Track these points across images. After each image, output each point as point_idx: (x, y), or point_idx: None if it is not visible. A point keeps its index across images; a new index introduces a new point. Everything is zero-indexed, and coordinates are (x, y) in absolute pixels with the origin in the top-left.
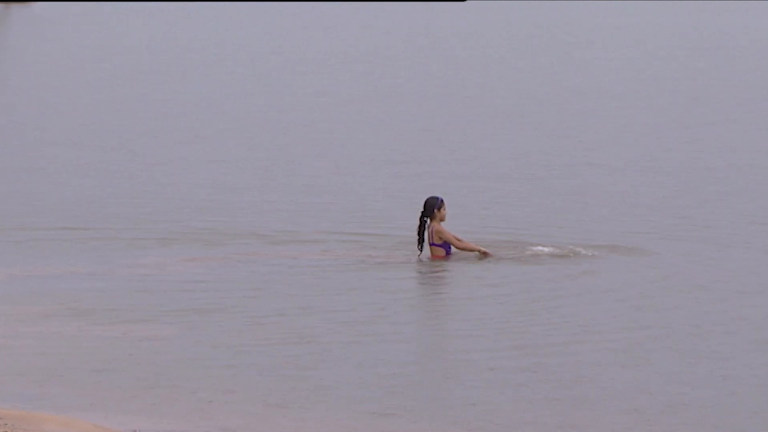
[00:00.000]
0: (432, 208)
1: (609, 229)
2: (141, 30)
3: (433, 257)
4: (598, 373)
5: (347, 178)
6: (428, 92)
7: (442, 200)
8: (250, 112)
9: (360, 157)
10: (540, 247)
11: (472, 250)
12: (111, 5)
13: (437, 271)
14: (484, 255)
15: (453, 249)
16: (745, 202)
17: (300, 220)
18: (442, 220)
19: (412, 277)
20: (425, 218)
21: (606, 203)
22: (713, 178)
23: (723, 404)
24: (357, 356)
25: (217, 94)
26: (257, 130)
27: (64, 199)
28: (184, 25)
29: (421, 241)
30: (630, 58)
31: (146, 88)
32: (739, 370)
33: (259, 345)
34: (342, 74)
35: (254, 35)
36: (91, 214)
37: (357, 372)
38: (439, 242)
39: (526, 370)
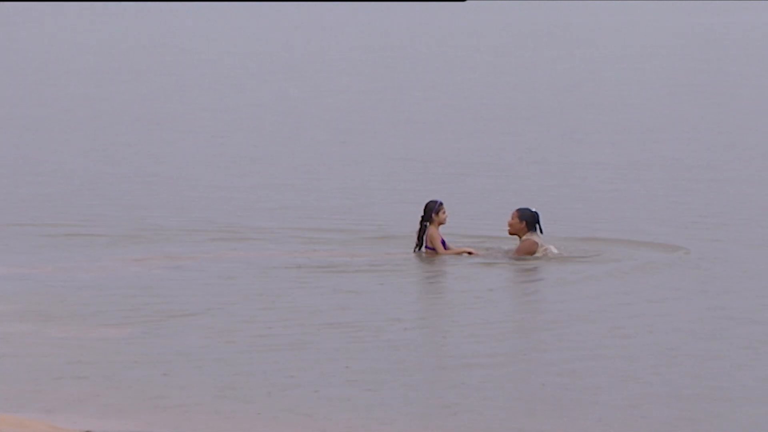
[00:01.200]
0: (431, 211)
1: (607, 227)
2: (106, 29)
3: (426, 257)
4: (588, 377)
5: (329, 176)
6: (427, 92)
7: (440, 203)
8: (227, 109)
9: (350, 155)
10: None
11: (458, 254)
12: (73, 5)
13: (425, 273)
14: (469, 254)
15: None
16: (747, 201)
17: (276, 217)
18: (441, 223)
19: (398, 278)
20: (425, 222)
21: (605, 202)
22: (712, 178)
23: (721, 402)
24: (338, 358)
25: (191, 91)
26: (232, 128)
27: (20, 196)
28: (157, 23)
29: (419, 245)
30: (628, 58)
31: (111, 86)
32: (731, 366)
33: (224, 346)
34: (335, 74)
35: (251, 35)
36: (47, 212)
37: (337, 373)
38: (431, 245)
39: (515, 371)
